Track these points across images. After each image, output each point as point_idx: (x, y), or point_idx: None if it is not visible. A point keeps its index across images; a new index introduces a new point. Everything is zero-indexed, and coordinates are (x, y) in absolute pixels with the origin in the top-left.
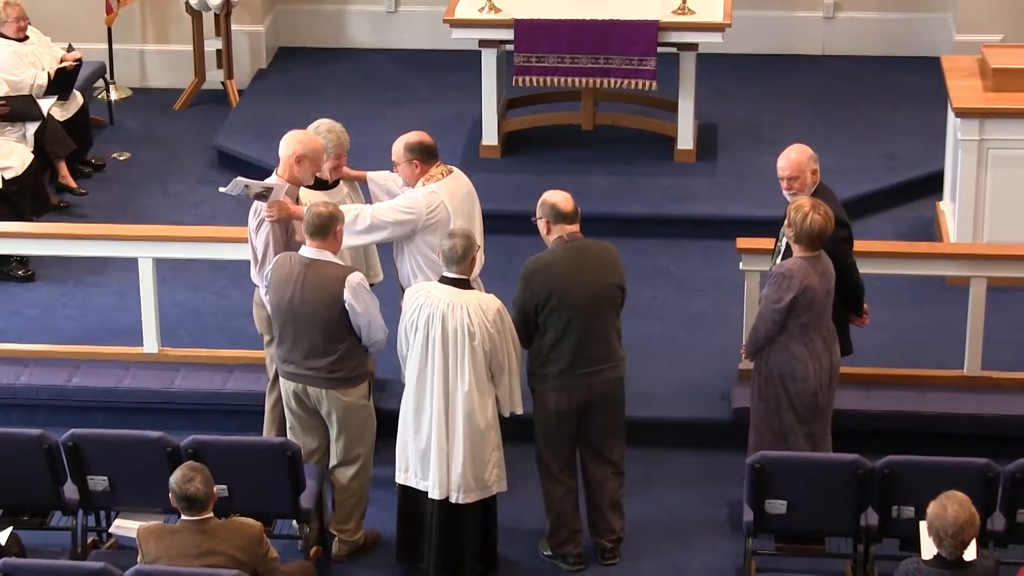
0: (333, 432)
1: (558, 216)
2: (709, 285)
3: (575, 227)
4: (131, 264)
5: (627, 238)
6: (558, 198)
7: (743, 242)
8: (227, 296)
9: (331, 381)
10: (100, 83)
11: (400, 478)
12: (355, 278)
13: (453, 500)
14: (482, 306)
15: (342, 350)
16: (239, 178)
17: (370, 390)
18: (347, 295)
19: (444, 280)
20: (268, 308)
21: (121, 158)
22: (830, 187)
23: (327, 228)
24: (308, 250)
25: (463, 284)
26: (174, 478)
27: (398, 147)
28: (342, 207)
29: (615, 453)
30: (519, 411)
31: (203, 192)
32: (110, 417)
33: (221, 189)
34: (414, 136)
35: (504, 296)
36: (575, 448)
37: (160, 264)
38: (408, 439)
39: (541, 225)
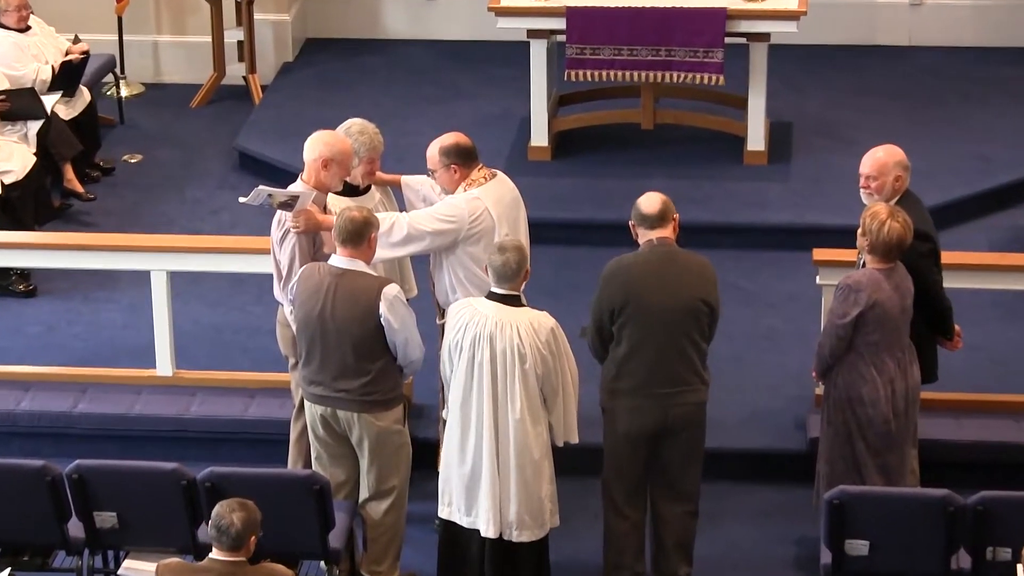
0: (364, 462)
1: (641, 218)
2: (782, 301)
3: (665, 232)
4: (143, 277)
5: (691, 248)
6: (643, 200)
7: (820, 253)
8: (249, 313)
9: (363, 404)
10: (109, 78)
11: (443, 512)
12: (392, 290)
13: (507, 538)
14: (533, 325)
15: (376, 370)
16: (261, 187)
17: (405, 415)
18: (383, 308)
19: (491, 296)
20: (293, 326)
21: (132, 161)
22: (916, 195)
23: (361, 235)
24: (339, 259)
25: (513, 300)
26: (217, 505)
27: (433, 152)
28: (376, 215)
29: (690, 487)
30: (574, 440)
31: (223, 198)
32: (119, 447)
33: (242, 199)
34: (449, 138)
35: (554, 314)
36: (645, 478)
37: (175, 277)
38: (452, 470)
39: (633, 231)
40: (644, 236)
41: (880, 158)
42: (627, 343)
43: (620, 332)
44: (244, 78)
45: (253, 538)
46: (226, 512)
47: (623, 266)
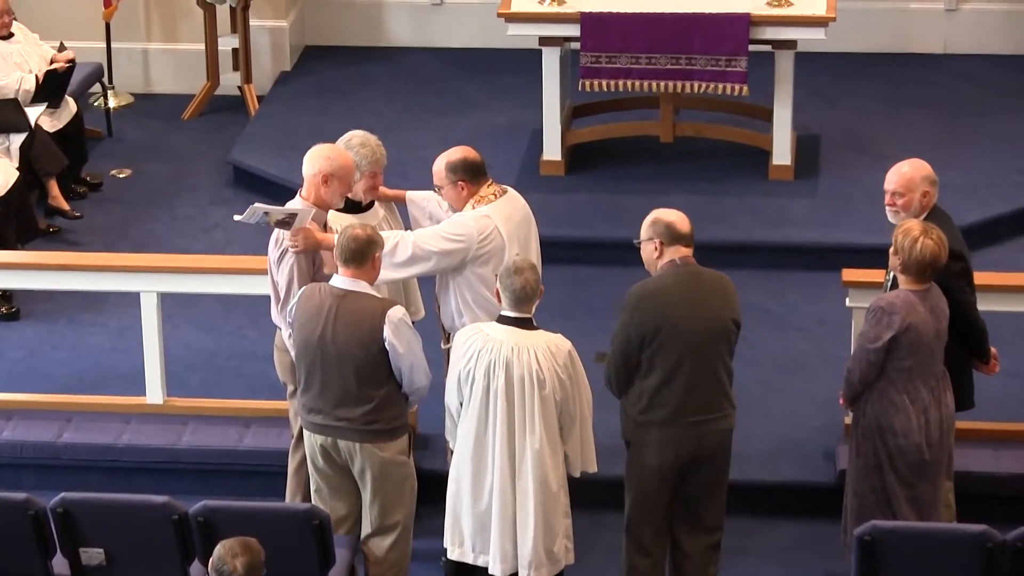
0: (367, 495)
1: (674, 237)
2: (810, 324)
3: (690, 251)
4: (132, 299)
5: (713, 268)
6: (673, 216)
7: (850, 274)
8: (244, 337)
9: (366, 434)
10: (97, 88)
11: (454, 554)
12: (397, 312)
13: None
14: (551, 348)
15: (379, 397)
16: (257, 204)
17: (411, 446)
18: (387, 332)
19: (504, 320)
20: (292, 351)
21: (121, 176)
22: (945, 211)
23: (364, 254)
24: (341, 279)
25: (526, 324)
26: (218, 546)
27: (439, 167)
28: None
29: (715, 518)
30: (592, 469)
31: (216, 215)
32: (107, 479)
33: (236, 218)
34: (456, 153)
35: (567, 336)
36: (671, 512)
37: (166, 299)
38: (463, 508)
39: (647, 248)
40: (668, 254)
41: (906, 173)
42: (659, 371)
43: (651, 360)
44: (239, 88)
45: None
46: (228, 557)
47: (652, 291)
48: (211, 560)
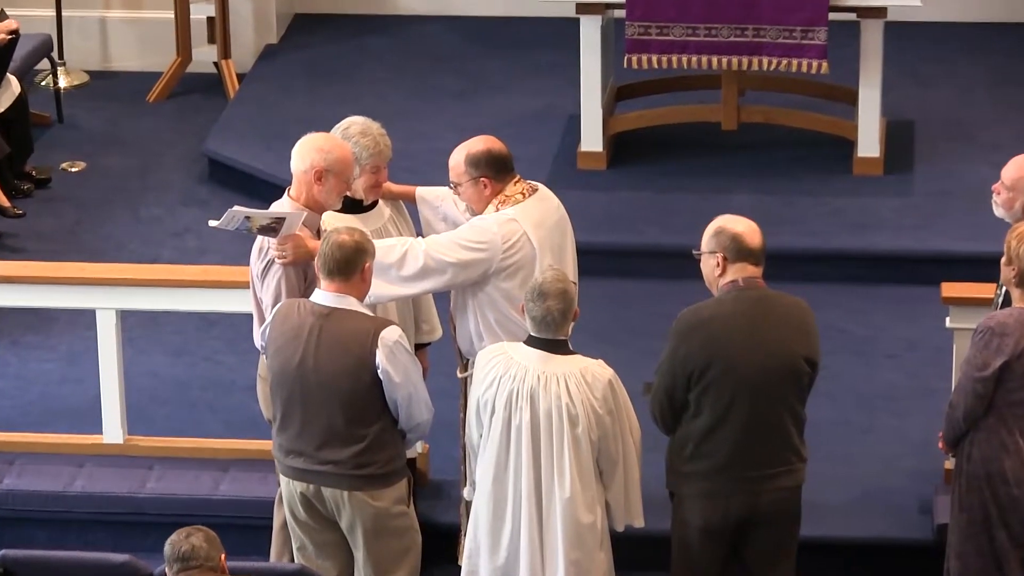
0: (359, 554)
1: (741, 252)
2: (901, 349)
3: (759, 270)
4: (86, 318)
5: (783, 282)
6: (742, 227)
7: (950, 288)
8: (221, 364)
9: (356, 479)
10: (45, 64)
11: None
12: (391, 334)
13: None
14: (587, 377)
15: (371, 436)
16: (237, 207)
17: (410, 493)
18: (381, 358)
19: (531, 342)
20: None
21: (73, 169)
22: None
23: (352, 264)
24: (325, 295)
25: (559, 347)
26: (166, 546)
27: (458, 160)
28: (383, 241)
29: None
30: (639, 523)
31: (188, 218)
32: (56, 532)
33: (212, 223)
34: (479, 144)
35: (610, 363)
36: None
37: (127, 318)
38: (480, 565)
39: (708, 263)
40: (733, 273)
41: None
42: (708, 414)
43: (699, 400)
44: (215, 64)
45: (223, 557)
46: (182, 539)
47: (704, 318)
48: (166, 554)
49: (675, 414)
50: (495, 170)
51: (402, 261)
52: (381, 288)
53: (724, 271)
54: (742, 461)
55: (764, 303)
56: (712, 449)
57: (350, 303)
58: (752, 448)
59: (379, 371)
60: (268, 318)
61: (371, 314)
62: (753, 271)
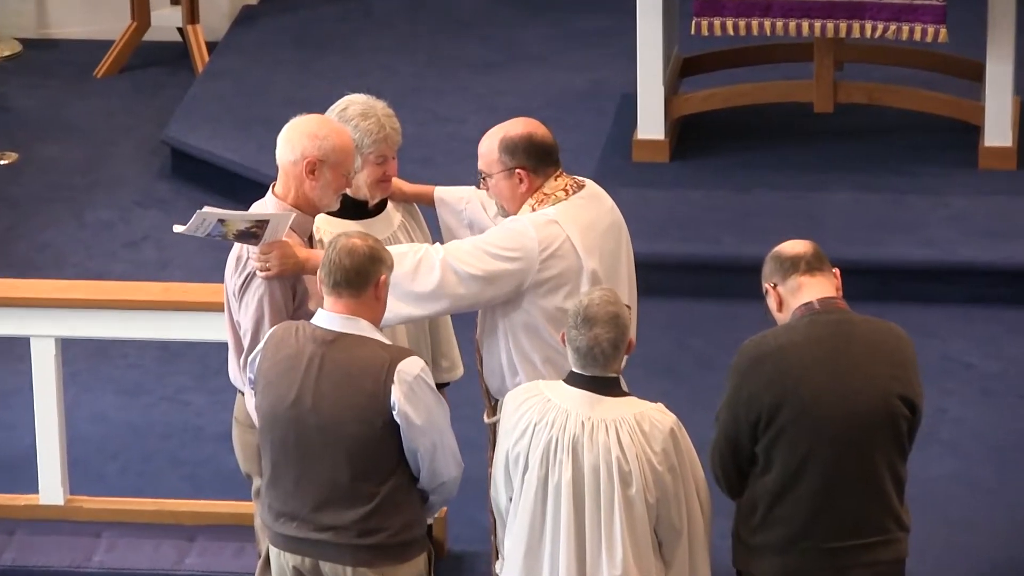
0: None
1: (780, 265)
2: None
3: (826, 285)
4: (19, 348)
5: (890, 303)
6: (785, 244)
7: None
8: (188, 405)
9: (362, 551)
10: None
11: None
12: (411, 366)
13: None
14: (643, 425)
15: (383, 495)
16: (208, 208)
17: (430, 572)
18: (398, 396)
19: (573, 380)
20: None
21: (4, 162)
22: None
23: (364, 275)
24: (329, 317)
25: (608, 386)
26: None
27: (490, 147)
28: (392, 248)
29: None
30: None
31: (146, 222)
32: None
33: (178, 228)
34: (518, 127)
35: (673, 406)
36: None
37: (70, 348)
38: None
39: (771, 298)
40: (793, 298)
41: None
42: (781, 469)
43: (769, 453)
44: (179, 31)
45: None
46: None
47: (771, 349)
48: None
49: (740, 471)
50: (536, 160)
51: (414, 273)
52: (387, 307)
53: (781, 302)
54: (824, 529)
55: (846, 328)
56: (785, 514)
57: (361, 327)
58: (836, 512)
59: (395, 413)
60: (249, 346)
61: (387, 342)
62: (822, 288)
